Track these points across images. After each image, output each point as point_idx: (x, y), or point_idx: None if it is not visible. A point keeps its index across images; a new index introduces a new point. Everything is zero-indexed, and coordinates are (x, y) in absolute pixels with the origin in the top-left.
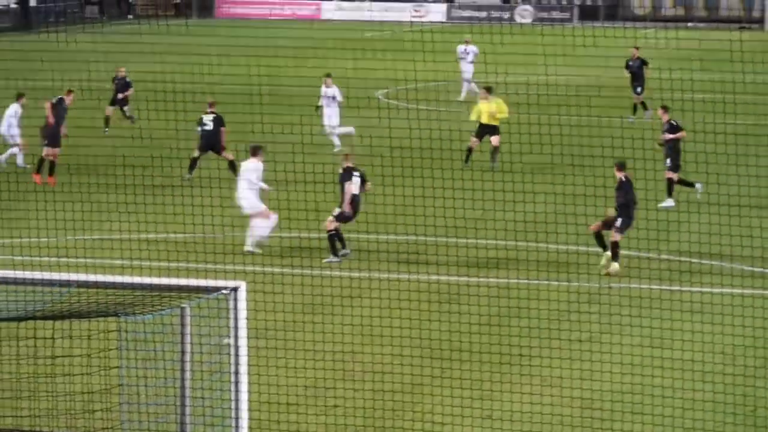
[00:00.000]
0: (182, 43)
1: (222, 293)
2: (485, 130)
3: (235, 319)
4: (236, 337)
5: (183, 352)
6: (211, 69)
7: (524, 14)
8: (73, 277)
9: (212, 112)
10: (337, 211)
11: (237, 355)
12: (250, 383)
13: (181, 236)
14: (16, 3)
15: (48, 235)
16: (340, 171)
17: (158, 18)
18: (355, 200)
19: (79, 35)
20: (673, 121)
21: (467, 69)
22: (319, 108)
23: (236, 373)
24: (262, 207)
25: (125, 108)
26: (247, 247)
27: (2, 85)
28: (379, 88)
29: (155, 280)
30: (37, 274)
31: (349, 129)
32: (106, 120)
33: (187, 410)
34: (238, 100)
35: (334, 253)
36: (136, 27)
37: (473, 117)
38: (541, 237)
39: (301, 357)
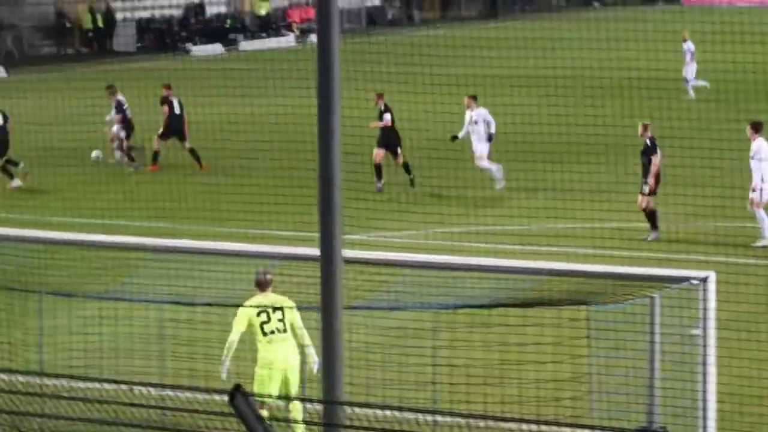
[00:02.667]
0: (642, 30)
1: (691, 283)
2: None
3: (704, 309)
4: (705, 327)
5: (651, 342)
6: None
7: None
8: (543, 265)
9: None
10: (645, 187)
11: (705, 346)
12: (717, 374)
13: (645, 225)
14: None
15: (515, 223)
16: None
17: (625, 5)
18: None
19: (542, 23)
20: None
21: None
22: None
23: (704, 364)
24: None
25: None
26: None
27: (461, 73)
28: None
29: (624, 269)
30: (507, 262)
31: None
32: None
33: (656, 400)
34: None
35: (653, 228)
36: (603, 14)
37: None
38: None
39: None
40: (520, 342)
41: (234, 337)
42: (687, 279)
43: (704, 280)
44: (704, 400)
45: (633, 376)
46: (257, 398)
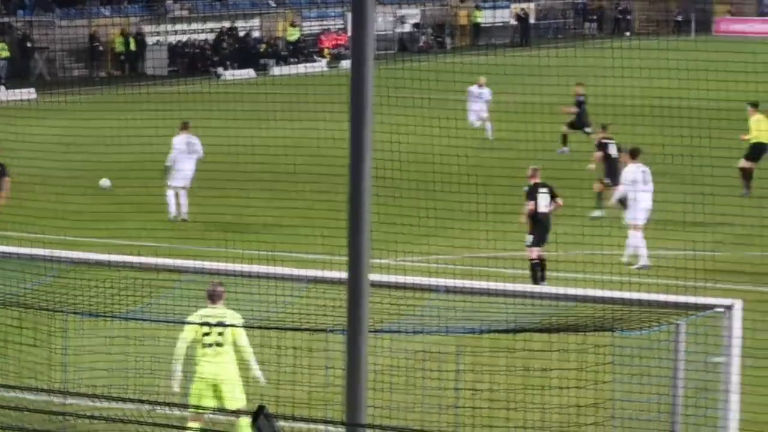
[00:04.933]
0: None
1: (716, 311)
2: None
3: (729, 337)
4: (729, 355)
5: (675, 369)
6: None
7: None
8: (566, 291)
9: None
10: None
11: (729, 374)
12: (740, 402)
13: (673, 253)
14: (516, 20)
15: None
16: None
17: (658, 35)
18: (540, 219)
19: (572, 51)
20: None
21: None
22: None
23: (727, 392)
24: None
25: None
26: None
27: (500, 99)
28: None
29: (649, 296)
30: (532, 287)
31: None
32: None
33: (677, 427)
34: (722, 116)
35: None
36: (635, 43)
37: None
38: None
39: None
40: (544, 367)
41: (179, 345)
42: (712, 307)
43: (729, 308)
44: (726, 428)
45: (656, 403)
46: (193, 411)
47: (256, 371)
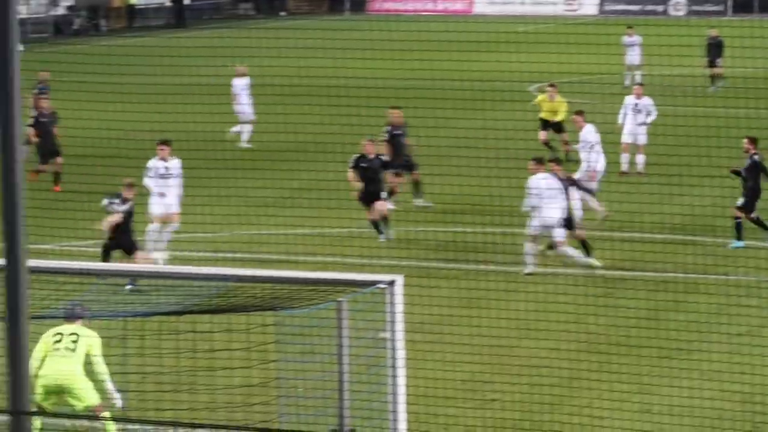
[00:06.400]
0: (338, 39)
1: (378, 287)
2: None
3: (392, 312)
4: (393, 330)
5: (340, 346)
6: (365, 64)
7: (678, 7)
8: (231, 271)
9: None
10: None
11: (394, 349)
12: (407, 377)
13: (337, 230)
14: (171, 1)
15: (206, 230)
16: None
17: (311, 15)
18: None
19: (232, 31)
20: None
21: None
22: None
23: (393, 366)
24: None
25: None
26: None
27: (155, 81)
28: (532, 82)
29: (312, 275)
30: (196, 269)
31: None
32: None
33: (345, 403)
34: (388, 94)
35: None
36: (291, 23)
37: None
38: (698, 230)
39: (458, 351)
40: (210, 348)
41: (33, 365)
42: (374, 283)
43: (391, 283)
44: (394, 402)
45: (323, 380)
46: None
47: (109, 384)
